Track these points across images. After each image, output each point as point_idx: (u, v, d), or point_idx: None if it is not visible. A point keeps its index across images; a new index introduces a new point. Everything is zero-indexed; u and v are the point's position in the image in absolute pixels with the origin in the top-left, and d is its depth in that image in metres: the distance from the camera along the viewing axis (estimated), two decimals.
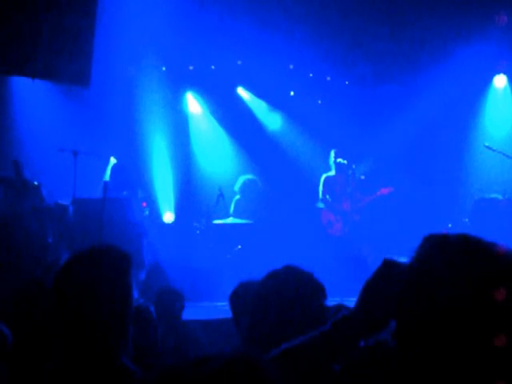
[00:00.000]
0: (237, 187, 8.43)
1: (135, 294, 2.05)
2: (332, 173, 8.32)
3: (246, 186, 8.40)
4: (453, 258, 1.22)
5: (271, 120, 9.73)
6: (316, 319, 1.87)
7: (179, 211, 8.95)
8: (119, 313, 1.88)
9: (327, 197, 8.23)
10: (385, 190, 8.37)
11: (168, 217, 9.00)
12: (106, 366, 1.81)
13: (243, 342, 1.94)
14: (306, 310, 1.88)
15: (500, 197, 6.80)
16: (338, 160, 8.17)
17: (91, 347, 1.83)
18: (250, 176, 8.56)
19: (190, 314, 5.52)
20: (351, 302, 3.35)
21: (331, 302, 3.43)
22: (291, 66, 9.28)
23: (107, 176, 7.78)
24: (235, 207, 8.36)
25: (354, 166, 8.17)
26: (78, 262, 1.94)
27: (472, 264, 1.20)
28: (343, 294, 6.37)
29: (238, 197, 8.45)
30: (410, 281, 1.26)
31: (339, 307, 3.13)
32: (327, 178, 8.29)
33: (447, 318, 1.17)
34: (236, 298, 3.02)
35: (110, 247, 2.01)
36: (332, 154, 8.33)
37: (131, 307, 1.93)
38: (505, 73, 9.68)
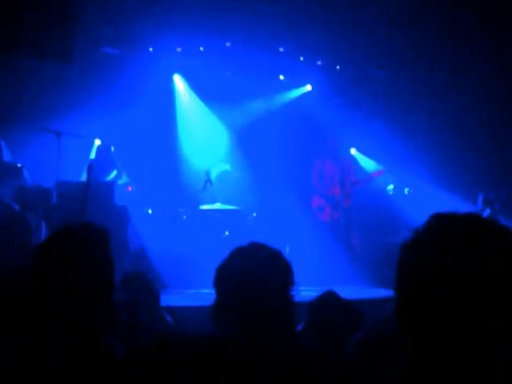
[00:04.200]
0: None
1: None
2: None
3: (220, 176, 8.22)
4: (461, 237, 1.16)
5: (260, 104, 9.53)
6: (282, 299, 1.82)
7: (165, 196, 8.78)
8: (102, 287, 1.86)
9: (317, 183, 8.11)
10: (376, 173, 8.32)
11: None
12: (91, 346, 1.78)
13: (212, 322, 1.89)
14: (273, 289, 1.82)
15: None
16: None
17: (74, 327, 1.78)
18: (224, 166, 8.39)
19: (174, 300, 5.42)
20: (340, 288, 3.24)
21: (321, 287, 3.32)
22: (281, 49, 9.09)
23: (92, 158, 7.57)
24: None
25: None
26: (56, 239, 1.93)
27: (481, 245, 1.14)
28: (332, 280, 6.31)
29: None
30: (413, 257, 1.20)
31: (330, 294, 3.02)
32: (318, 163, 8.17)
33: (450, 300, 1.10)
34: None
35: (87, 224, 2.00)
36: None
37: (113, 281, 1.91)
38: None
